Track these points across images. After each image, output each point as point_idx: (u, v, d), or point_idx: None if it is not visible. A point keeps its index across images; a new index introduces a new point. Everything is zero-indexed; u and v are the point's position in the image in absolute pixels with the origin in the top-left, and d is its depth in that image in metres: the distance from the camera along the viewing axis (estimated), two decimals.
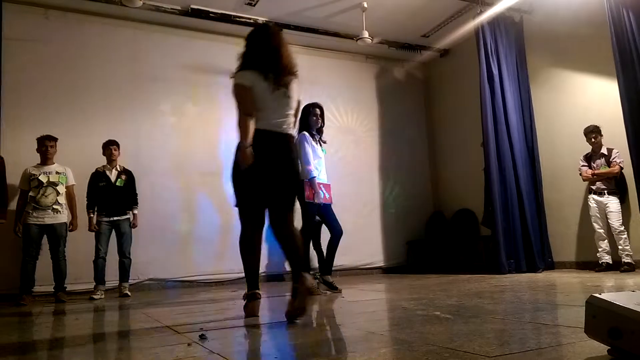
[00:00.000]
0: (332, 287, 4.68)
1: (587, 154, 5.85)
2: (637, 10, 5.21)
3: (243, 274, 3.14)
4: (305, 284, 2.77)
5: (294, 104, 3.12)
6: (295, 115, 3.22)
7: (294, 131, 3.21)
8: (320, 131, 4.89)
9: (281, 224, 2.97)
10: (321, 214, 4.79)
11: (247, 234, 3.05)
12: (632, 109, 5.21)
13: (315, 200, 4.62)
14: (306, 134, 4.71)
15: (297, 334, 2.48)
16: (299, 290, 2.78)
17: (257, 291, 3.05)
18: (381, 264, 7.91)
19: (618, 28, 5.33)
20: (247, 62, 3.05)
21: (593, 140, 5.74)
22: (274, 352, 2.11)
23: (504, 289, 4.14)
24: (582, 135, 5.82)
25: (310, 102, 4.90)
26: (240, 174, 2.94)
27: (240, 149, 2.88)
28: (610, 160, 5.64)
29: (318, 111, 4.82)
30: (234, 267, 6.62)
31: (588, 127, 5.78)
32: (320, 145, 4.87)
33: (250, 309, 3.02)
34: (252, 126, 2.91)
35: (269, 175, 2.92)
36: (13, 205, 5.38)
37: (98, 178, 5.63)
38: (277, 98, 3.00)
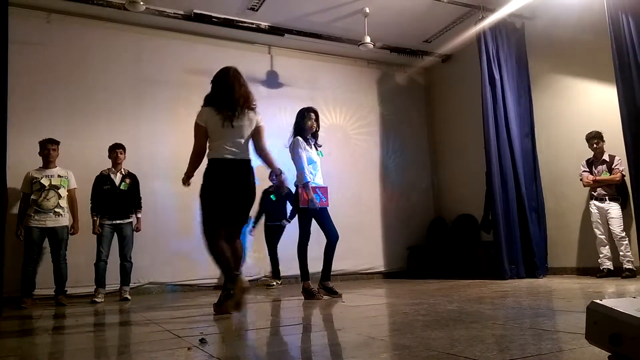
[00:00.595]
0: (332, 292, 4.66)
1: (588, 159, 5.85)
2: (635, 16, 5.22)
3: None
4: (240, 285, 3.38)
5: (246, 133, 3.62)
6: (258, 141, 3.74)
7: (250, 156, 3.70)
8: (315, 135, 4.86)
9: (232, 237, 3.61)
10: (317, 219, 4.73)
11: (211, 244, 3.53)
12: (630, 115, 5.21)
13: (310, 206, 4.57)
14: (299, 139, 4.67)
15: (297, 339, 2.48)
16: (235, 289, 3.38)
17: (232, 286, 3.43)
18: (382, 269, 7.90)
19: (617, 34, 5.34)
20: (207, 100, 3.66)
21: (595, 146, 5.74)
22: (274, 356, 2.11)
23: (504, 295, 4.13)
24: (584, 141, 5.82)
25: (305, 106, 4.91)
26: (203, 194, 3.53)
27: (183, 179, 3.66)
28: (613, 167, 5.64)
29: (313, 115, 4.79)
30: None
31: (590, 132, 5.78)
32: (316, 149, 4.84)
33: (232, 305, 3.42)
34: (205, 158, 3.60)
35: (222, 195, 3.48)
36: (15, 208, 5.39)
37: (102, 181, 5.63)
38: (229, 129, 3.53)
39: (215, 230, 3.53)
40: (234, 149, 3.54)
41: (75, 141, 6.04)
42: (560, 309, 3.12)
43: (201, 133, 3.57)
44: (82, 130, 6.25)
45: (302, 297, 4.60)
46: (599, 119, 5.92)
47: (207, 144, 3.60)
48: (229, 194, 3.50)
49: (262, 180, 6.68)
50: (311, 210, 4.63)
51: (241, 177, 3.57)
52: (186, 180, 3.67)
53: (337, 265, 7.39)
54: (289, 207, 6.73)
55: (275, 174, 3.87)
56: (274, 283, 6.66)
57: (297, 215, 4.81)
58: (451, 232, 8.04)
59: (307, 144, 4.71)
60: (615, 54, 5.34)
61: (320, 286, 4.69)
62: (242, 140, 3.60)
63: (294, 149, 4.64)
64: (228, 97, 3.55)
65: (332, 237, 4.72)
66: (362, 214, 7.82)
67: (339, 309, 3.79)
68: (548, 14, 6.60)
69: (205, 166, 3.58)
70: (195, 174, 3.69)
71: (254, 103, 3.72)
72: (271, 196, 6.73)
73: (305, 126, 4.75)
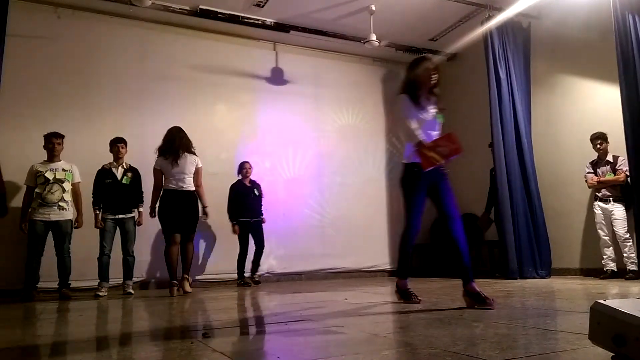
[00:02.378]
0: (408, 297, 3.65)
1: (593, 160, 5.84)
2: None
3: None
4: (185, 283, 5.19)
5: (188, 171, 5.23)
6: (196, 179, 5.30)
7: (192, 187, 5.25)
8: (432, 91, 3.62)
9: (184, 241, 5.22)
10: (434, 191, 3.62)
11: (168, 247, 5.16)
12: (633, 117, 5.19)
13: (430, 166, 3.34)
14: (404, 96, 3.53)
15: (300, 334, 2.49)
16: (183, 283, 5.18)
17: (175, 281, 5.08)
18: (385, 266, 7.90)
19: (623, 35, 5.31)
20: (159, 150, 5.27)
21: (599, 146, 5.73)
22: (276, 351, 2.12)
23: (507, 294, 4.13)
24: (589, 142, 5.81)
25: (419, 55, 3.84)
26: (159, 213, 5.22)
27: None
28: (616, 167, 5.62)
29: (429, 64, 3.59)
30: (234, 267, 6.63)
31: (594, 133, 5.77)
32: (436, 109, 3.60)
33: (171, 292, 5.03)
34: (160, 191, 5.24)
35: (171, 213, 5.13)
36: (19, 201, 5.41)
37: (104, 175, 5.64)
38: (176, 169, 5.17)
39: (169, 239, 5.15)
40: (179, 183, 5.18)
41: (80, 135, 6.06)
42: (564, 309, 3.11)
43: (158, 174, 5.23)
44: (87, 124, 6.27)
45: (396, 298, 3.75)
46: (603, 119, 5.90)
47: (163, 181, 5.21)
48: (176, 213, 5.12)
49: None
50: (425, 181, 3.51)
51: (184, 201, 5.18)
52: (152, 212, 5.29)
53: (340, 263, 7.46)
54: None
55: (203, 205, 5.38)
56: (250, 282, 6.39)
57: (404, 196, 3.67)
58: None
59: (418, 106, 3.50)
60: (620, 55, 5.32)
61: (466, 292, 3.35)
62: (185, 176, 5.20)
63: (399, 109, 3.54)
64: (172, 147, 5.17)
65: (453, 216, 3.60)
66: (366, 211, 7.82)
67: (342, 306, 3.79)
68: (555, 13, 6.57)
69: (161, 194, 5.23)
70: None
71: (193, 149, 5.31)
72: (255, 190, 6.64)
73: (420, 79, 3.53)
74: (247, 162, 6.74)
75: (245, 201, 6.57)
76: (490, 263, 6.97)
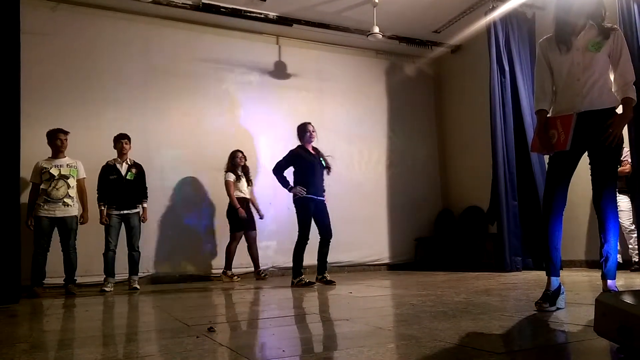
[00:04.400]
0: None
1: None
2: None
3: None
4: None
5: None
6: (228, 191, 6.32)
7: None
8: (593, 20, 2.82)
9: (249, 242, 6.45)
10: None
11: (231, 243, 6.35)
12: (638, 109, 5.15)
13: (545, 152, 3.02)
14: (542, 41, 2.96)
15: (305, 328, 2.49)
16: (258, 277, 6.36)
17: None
18: (389, 260, 7.90)
19: (628, 24, 5.26)
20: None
21: None
22: (281, 345, 2.12)
23: (512, 287, 4.13)
24: None
25: None
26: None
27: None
28: (621, 159, 5.59)
29: None
30: (242, 261, 6.65)
31: None
32: (596, 38, 2.80)
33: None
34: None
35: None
36: (25, 198, 5.43)
37: (109, 171, 5.66)
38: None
39: (235, 236, 6.34)
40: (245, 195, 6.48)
41: (83, 131, 6.06)
42: (569, 302, 3.10)
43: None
44: (90, 120, 6.27)
45: None
46: None
47: None
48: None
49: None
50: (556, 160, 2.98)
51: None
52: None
53: (344, 257, 7.47)
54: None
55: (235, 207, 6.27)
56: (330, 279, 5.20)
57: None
58: (459, 224, 8.02)
59: (562, 46, 2.80)
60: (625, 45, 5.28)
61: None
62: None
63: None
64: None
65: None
66: (369, 205, 7.81)
67: (346, 300, 3.80)
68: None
69: None
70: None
71: (224, 169, 6.38)
72: (321, 160, 5.29)
73: (562, 15, 2.82)
74: (310, 123, 5.33)
75: (311, 173, 5.11)
76: (494, 256, 6.96)
